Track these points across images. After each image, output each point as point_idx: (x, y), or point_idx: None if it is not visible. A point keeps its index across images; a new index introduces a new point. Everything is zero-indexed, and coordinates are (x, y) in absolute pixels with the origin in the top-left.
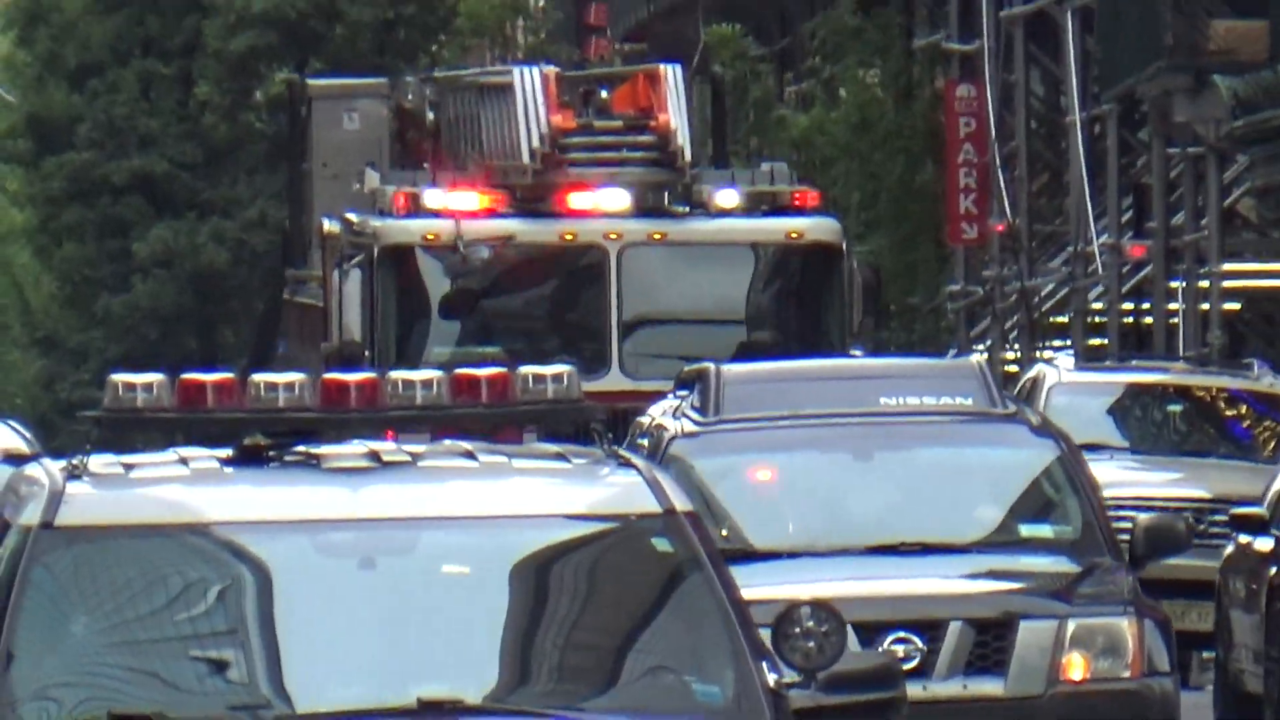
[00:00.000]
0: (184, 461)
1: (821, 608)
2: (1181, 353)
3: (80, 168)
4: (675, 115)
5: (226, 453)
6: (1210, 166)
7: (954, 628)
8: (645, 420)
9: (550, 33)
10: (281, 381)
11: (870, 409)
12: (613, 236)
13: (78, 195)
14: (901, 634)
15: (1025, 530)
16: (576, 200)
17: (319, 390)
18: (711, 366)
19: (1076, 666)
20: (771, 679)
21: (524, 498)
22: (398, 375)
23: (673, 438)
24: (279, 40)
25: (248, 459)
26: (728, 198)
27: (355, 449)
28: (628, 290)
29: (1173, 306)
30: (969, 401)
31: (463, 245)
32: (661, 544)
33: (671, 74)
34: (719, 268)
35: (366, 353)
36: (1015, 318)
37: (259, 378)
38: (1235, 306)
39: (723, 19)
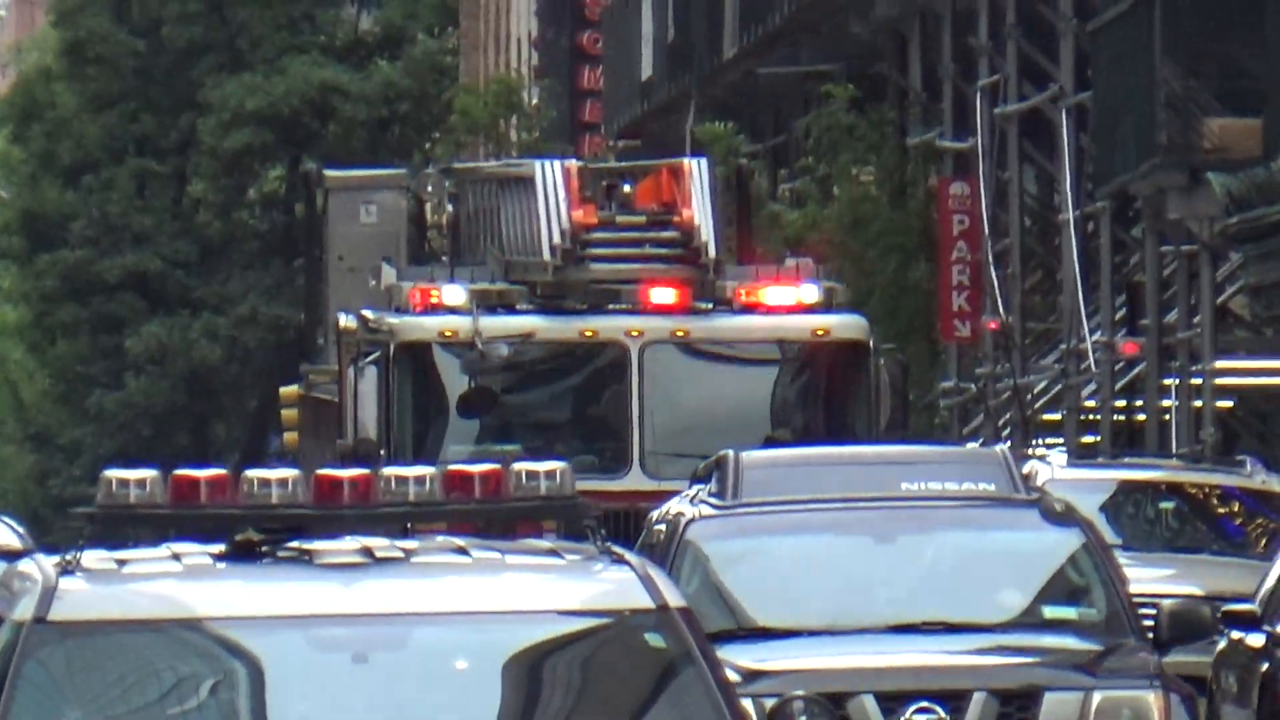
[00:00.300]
0: (177, 557)
1: (814, 702)
2: (1174, 450)
3: (74, 265)
4: (699, 211)
5: (219, 548)
6: (1204, 264)
7: (978, 699)
8: (661, 510)
9: (544, 130)
10: (274, 477)
11: (891, 494)
12: (634, 334)
13: (71, 293)
14: (924, 704)
15: (1049, 613)
16: (599, 296)
17: (312, 486)
18: (730, 453)
19: None
20: None
21: (517, 593)
22: (391, 472)
23: (690, 521)
24: (273, 138)
25: (241, 555)
26: (751, 294)
27: (348, 545)
28: (650, 388)
29: (1166, 404)
30: (991, 488)
31: (481, 343)
32: (655, 639)
33: (696, 168)
34: (743, 365)
35: (382, 451)
36: (1008, 415)
37: (252, 474)
38: (1228, 404)
39: (715, 116)
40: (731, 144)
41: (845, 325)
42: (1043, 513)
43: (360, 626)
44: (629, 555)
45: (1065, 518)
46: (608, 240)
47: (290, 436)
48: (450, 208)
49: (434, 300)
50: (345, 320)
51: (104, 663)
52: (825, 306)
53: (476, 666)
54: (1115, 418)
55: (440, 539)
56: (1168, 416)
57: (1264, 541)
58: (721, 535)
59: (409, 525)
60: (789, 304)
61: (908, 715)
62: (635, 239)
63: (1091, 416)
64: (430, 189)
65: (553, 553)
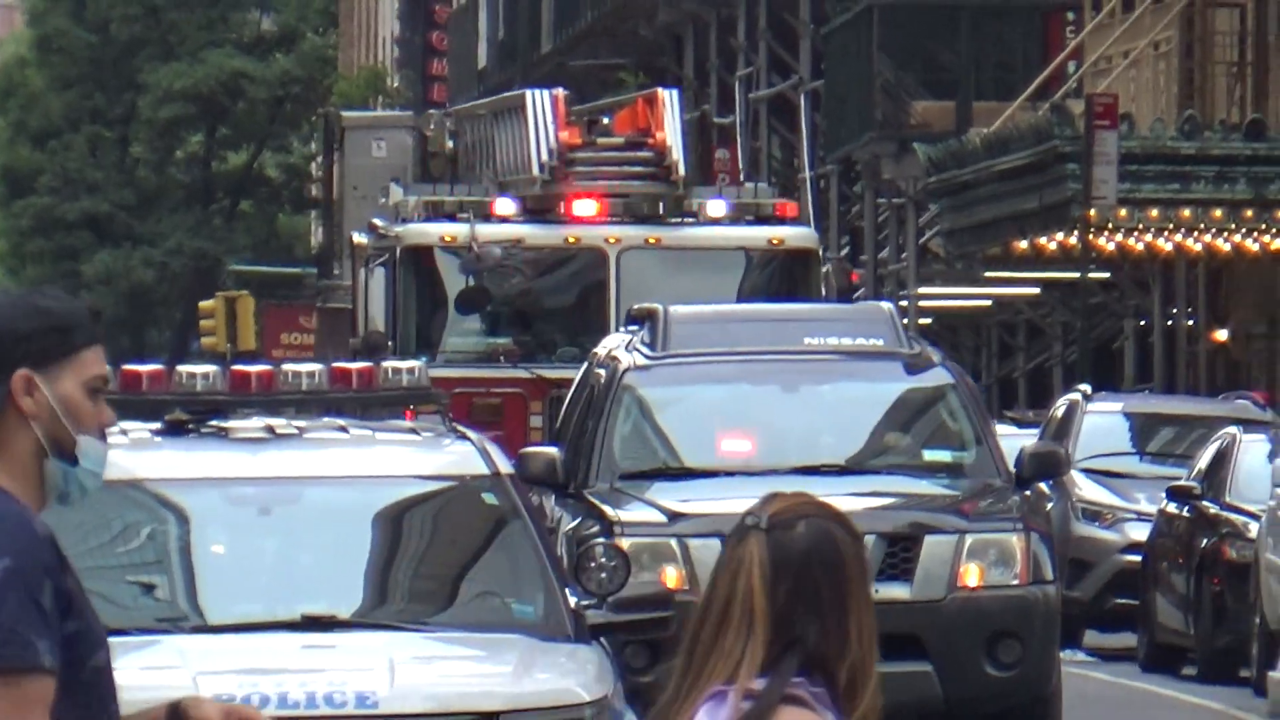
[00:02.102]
0: (124, 432)
1: (611, 547)
2: None
3: (42, 209)
4: (671, 134)
5: (157, 426)
6: (910, 213)
7: (868, 540)
8: (601, 351)
9: (402, 108)
10: (199, 371)
11: (796, 347)
12: (612, 241)
13: (40, 230)
14: None
15: (928, 454)
16: (580, 208)
17: (228, 378)
18: (660, 307)
19: (972, 574)
20: (573, 601)
21: (385, 462)
22: (289, 367)
23: (626, 369)
24: (195, 111)
25: (172, 431)
26: (716, 208)
27: (255, 423)
28: (625, 289)
29: None
30: (880, 342)
31: (477, 246)
32: (489, 498)
33: (668, 98)
34: (708, 270)
35: (390, 343)
36: None
37: (182, 368)
38: (928, 321)
39: None
40: None
41: (797, 235)
42: (924, 365)
43: (264, 487)
44: (470, 433)
45: (943, 369)
46: (590, 159)
47: (208, 340)
48: (451, 143)
49: (435, 210)
50: (358, 237)
51: (69, 514)
52: (780, 219)
53: (354, 518)
54: None
55: (326, 419)
56: None
57: None
58: (652, 382)
59: (410, 406)
60: (748, 216)
61: None
62: (614, 159)
63: None
64: (433, 126)
65: (413, 431)
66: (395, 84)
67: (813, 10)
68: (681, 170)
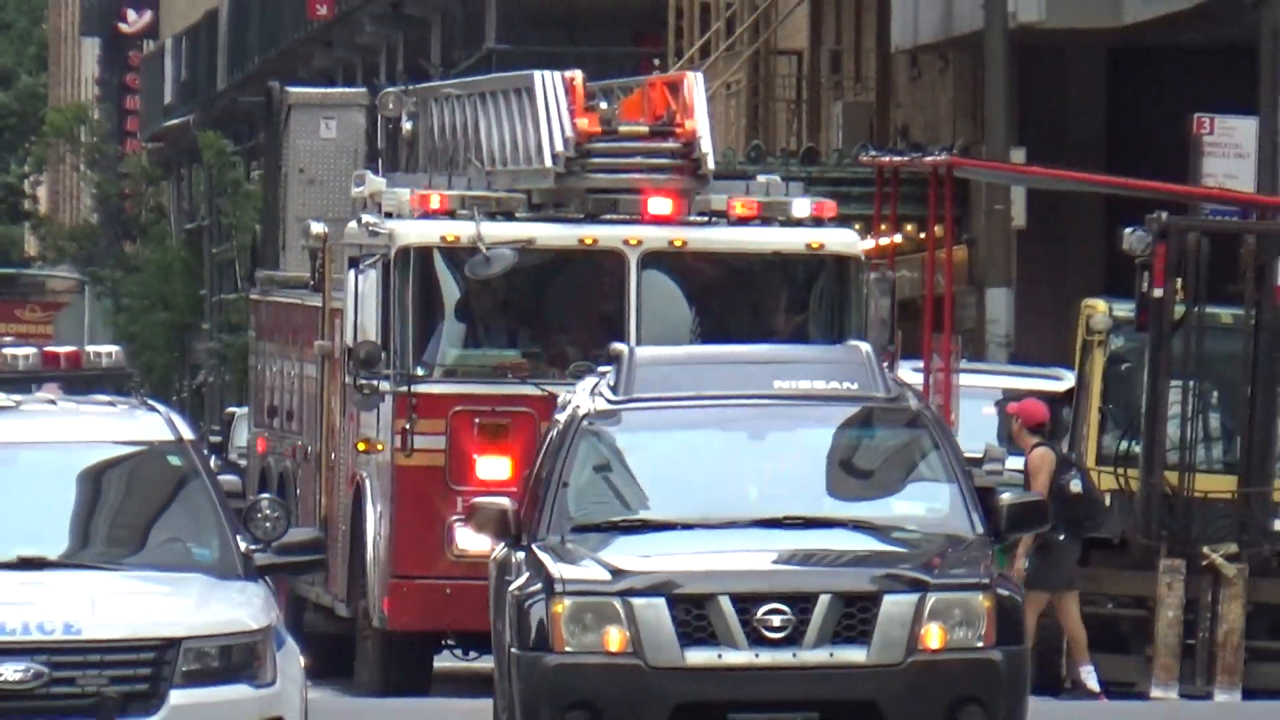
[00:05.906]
0: None
1: (275, 502)
2: None
3: None
4: (700, 122)
5: None
6: None
7: (823, 600)
8: (564, 396)
9: (103, 136)
10: None
11: (765, 391)
12: (633, 243)
13: None
14: (775, 605)
15: (899, 507)
16: (598, 205)
17: None
18: (625, 348)
19: (934, 637)
20: (243, 545)
21: (87, 430)
22: (7, 351)
23: (585, 415)
24: None
25: None
26: (747, 207)
27: None
28: (647, 297)
29: None
30: (855, 386)
31: (484, 248)
32: (174, 460)
33: (695, 82)
34: (738, 277)
35: (383, 354)
36: None
37: None
38: None
39: (212, 128)
40: (220, 146)
41: (838, 239)
42: (899, 410)
43: None
44: (159, 406)
45: (918, 415)
46: (608, 150)
47: None
48: (408, 125)
49: (433, 205)
50: (318, 227)
51: None
52: (817, 221)
53: (60, 476)
54: None
55: (39, 394)
56: None
57: None
58: (612, 429)
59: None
60: (783, 217)
61: (760, 615)
62: (636, 149)
63: None
64: (391, 106)
65: (110, 404)
66: (96, 116)
67: (443, 55)
68: (711, 164)
